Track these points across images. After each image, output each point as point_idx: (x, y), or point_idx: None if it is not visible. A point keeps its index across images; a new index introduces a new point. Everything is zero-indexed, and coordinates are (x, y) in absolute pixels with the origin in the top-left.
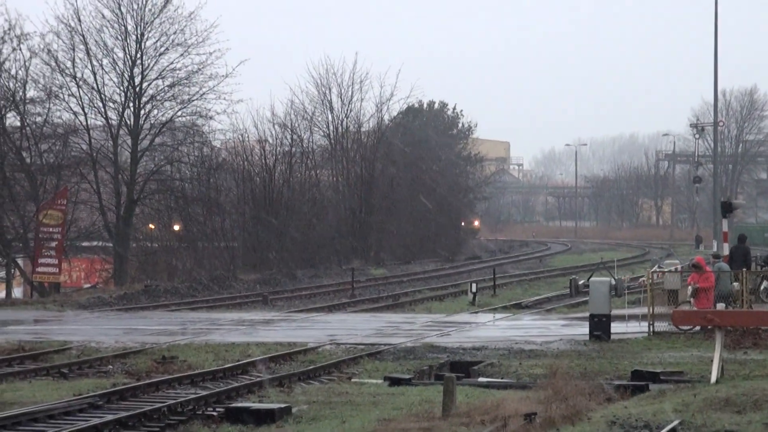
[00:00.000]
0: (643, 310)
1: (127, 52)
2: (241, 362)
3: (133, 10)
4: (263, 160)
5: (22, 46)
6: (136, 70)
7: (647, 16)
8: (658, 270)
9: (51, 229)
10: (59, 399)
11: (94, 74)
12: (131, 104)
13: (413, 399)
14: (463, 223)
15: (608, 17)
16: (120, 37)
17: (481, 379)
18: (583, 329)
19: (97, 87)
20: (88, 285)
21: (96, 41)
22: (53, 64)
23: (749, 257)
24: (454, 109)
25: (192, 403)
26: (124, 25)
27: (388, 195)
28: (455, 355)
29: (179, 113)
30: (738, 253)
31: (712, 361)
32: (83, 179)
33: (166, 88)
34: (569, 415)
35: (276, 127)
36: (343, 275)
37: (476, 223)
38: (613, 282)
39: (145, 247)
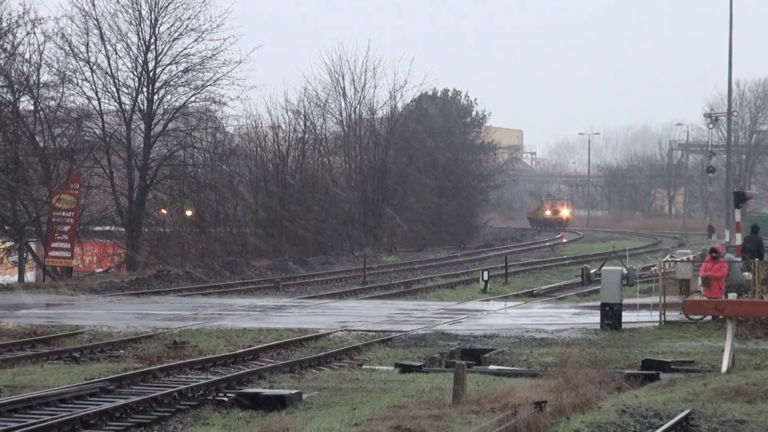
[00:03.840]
0: (654, 299)
1: (141, 37)
2: (252, 348)
3: None
4: (276, 146)
5: (36, 30)
6: (150, 55)
7: (662, 4)
8: (669, 259)
9: (64, 214)
10: (70, 383)
11: (108, 59)
12: (145, 89)
13: (424, 386)
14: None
15: (623, 5)
16: (134, 22)
17: (492, 367)
18: (594, 318)
19: (111, 72)
20: (100, 269)
21: (110, 26)
22: (67, 48)
23: (762, 247)
24: (467, 96)
25: (203, 389)
26: (138, 10)
27: (401, 182)
28: (466, 342)
29: (193, 99)
30: (751, 243)
31: (723, 350)
32: (96, 164)
33: (180, 74)
34: (579, 404)
35: (289, 113)
36: (355, 262)
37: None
38: (625, 271)
39: (157, 232)
